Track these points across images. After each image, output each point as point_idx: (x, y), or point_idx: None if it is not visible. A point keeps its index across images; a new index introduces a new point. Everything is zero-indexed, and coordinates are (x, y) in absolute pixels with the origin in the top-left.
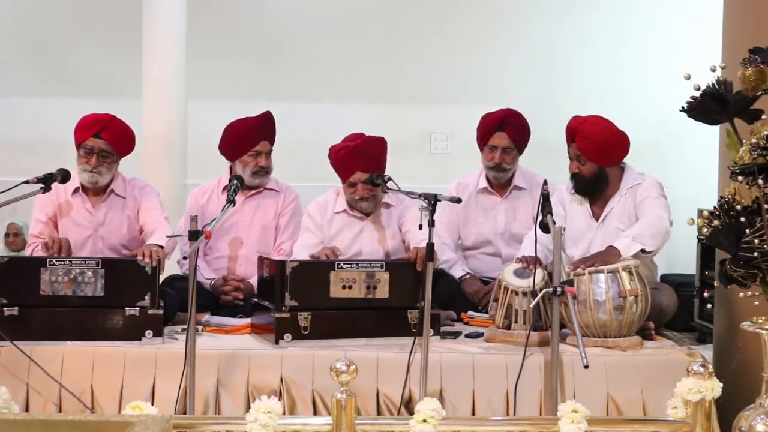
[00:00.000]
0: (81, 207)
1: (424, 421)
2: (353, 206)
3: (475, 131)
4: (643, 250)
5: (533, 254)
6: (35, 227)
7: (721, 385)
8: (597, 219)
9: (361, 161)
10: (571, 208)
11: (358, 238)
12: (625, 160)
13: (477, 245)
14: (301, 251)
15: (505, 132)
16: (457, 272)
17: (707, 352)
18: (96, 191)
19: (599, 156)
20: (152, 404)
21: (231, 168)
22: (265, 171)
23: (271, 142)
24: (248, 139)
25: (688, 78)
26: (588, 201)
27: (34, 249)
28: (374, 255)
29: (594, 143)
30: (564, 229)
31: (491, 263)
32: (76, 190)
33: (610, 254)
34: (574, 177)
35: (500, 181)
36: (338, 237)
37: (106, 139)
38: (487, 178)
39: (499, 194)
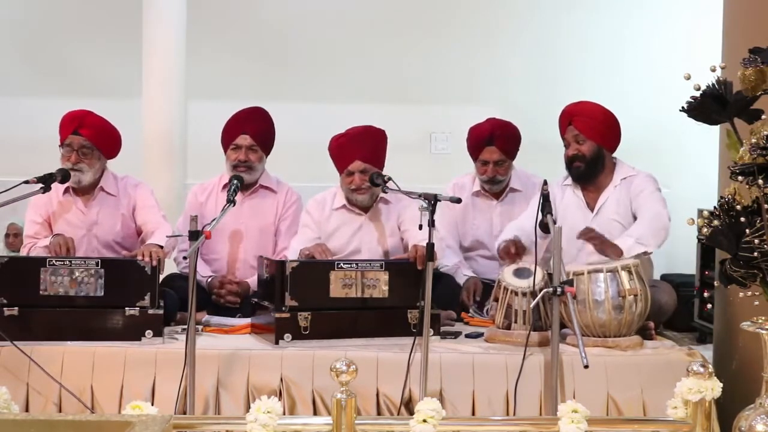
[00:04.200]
0: (73, 207)
1: (424, 421)
2: (351, 201)
3: (465, 142)
4: (644, 252)
5: (512, 239)
6: (30, 228)
7: (721, 385)
8: (591, 210)
9: (361, 150)
10: (563, 202)
11: (357, 234)
12: (624, 158)
13: (474, 247)
14: (297, 248)
15: (494, 146)
16: (460, 276)
17: (707, 352)
18: (85, 190)
19: (598, 133)
20: (152, 404)
21: None
22: (245, 165)
23: (255, 136)
24: (230, 132)
25: (688, 78)
26: (581, 191)
27: (30, 249)
28: (373, 251)
29: (592, 120)
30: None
31: (489, 266)
32: (66, 191)
33: (613, 248)
34: (573, 159)
35: (496, 191)
36: (337, 233)
37: (85, 134)
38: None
39: (494, 197)
